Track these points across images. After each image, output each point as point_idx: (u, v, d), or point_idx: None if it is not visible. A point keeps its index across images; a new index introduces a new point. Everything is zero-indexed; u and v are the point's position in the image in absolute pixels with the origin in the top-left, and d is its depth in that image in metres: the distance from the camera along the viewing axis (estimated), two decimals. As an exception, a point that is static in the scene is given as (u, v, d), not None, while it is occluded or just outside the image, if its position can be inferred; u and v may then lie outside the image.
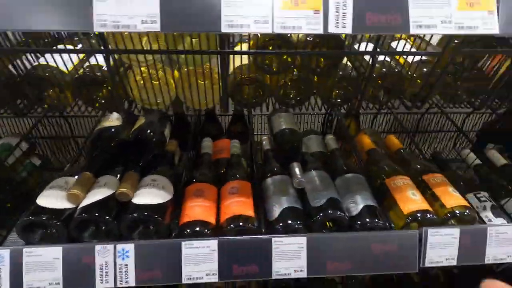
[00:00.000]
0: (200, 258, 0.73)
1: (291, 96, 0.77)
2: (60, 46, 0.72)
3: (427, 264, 0.76)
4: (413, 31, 0.54)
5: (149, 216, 0.72)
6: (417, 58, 0.71)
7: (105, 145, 0.85)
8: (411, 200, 0.80)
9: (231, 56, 0.78)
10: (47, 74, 0.71)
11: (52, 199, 0.73)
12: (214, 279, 0.74)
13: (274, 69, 0.68)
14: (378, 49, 0.66)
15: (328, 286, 1.18)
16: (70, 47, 0.75)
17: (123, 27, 0.48)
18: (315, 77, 0.76)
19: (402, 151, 1.02)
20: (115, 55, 0.65)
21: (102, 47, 0.61)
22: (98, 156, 0.83)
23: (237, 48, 0.81)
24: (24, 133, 1.27)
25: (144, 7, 0.50)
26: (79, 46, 0.79)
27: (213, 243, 0.73)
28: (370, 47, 0.72)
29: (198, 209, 0.79)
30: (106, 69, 0.65)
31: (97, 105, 0.75)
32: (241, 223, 0.76)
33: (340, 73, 0.71)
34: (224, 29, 0.50)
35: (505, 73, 0.72)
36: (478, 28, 0.55)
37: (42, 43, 0.85)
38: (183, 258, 0.73)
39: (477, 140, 1.37)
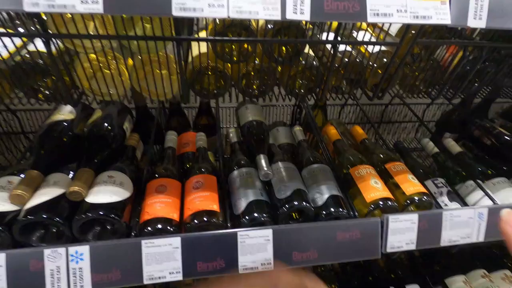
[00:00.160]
0: (162, 256, 0.70)
1: (254, 86, 0.75)
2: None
3: (388, 250, 0.79)
4: (370, 19, 0.53)
5: (105, 215, 0.67)
6: (377, 48, 0.72)
7: (55, 141, 0.79)
8: (373, 188, 0.82)
9: (192, 44, 0.74)
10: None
11: (-8, 201, 0.66)
12: (178, 277, 0.72)
13: (235, 58, 0.66)
14: (339, 38, 0.66)
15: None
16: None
17: (59, 7, 0.43)
18: (278, 67, 0.75)
19: (367, 141, 1.05)
20: (58, 41, 0.58)
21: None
22: (47, 152, 0.76)
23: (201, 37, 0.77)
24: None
25: (85, -14, 0.45)
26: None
27: (175, 241, 0.71)
28: (332, 37, 0.72)
29: (160, 205, 0.75)
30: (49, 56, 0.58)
31: (40, 96, 0.68)
32: (205, 219, 0.74)
33: (303, 62, 0.70)
34: (176, 12, 0.47)
35: (457, 64, 0.75)
36: (432, 18, 0.56)
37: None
38: (143, 257, 0.69)
39: (436, 130, 1.45)
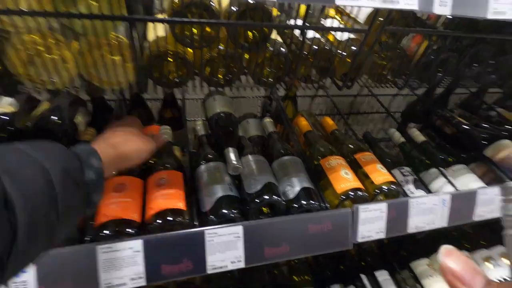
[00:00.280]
0: (121, 262, 0.64)
1: (219, 74, 0.70)
2: None
3: (359, 240, 0.79)
4: (338, 2, 0.50)
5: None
6: (346, 36, 0.70)
7: (-10, 137, 0.68)
8: (344, 179, 0.81)
9: (150, 26, 0.67)
10: None
11: None
12: (141, 283, 0.66)
13: (196, 43, 0.60)
14: (307, 24, 0.63)
15: (273, 268, 1.18)
16: None
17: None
18: (245, 53, 0.70)
19: (337, 132, 1.04)
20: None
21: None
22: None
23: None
24: None
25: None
26: None
27: (136, 244, 0.65)
28: (300, 23, 0.69)
29: (118, 206, 0.68)
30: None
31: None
32: (169, 218, 0.68)
33: (271, 49, 0.67)
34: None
35: (423, 53, 0.76)
36: (400, 3, 0.55)
37: None
38: (99, 264, 0.63)
39: (401, 120, 1.49)
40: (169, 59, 0.63)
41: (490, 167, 1.03)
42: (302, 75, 0.75)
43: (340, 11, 0.77)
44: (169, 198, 0.71)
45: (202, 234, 0.68)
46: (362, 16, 0.72)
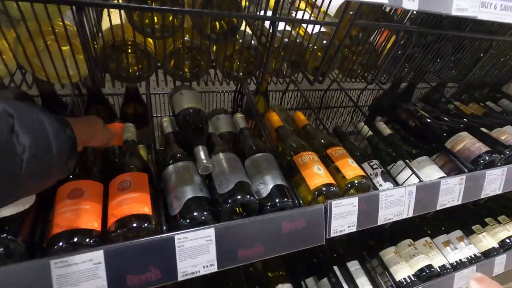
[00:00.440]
0: (80, 276, 0.58)
1: (185, 68, 0.65)
2: None
3: (332, 234, 0.79)
4: (310, -8, 0.48)
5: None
6: (317, 29, 0.69)
7: None
8: (317, 175, 0.81)
9: (104, 13, 0.60)
10: None
11: None
12: (103, 297, 0.60)
13: (158, 33, 0.55)
14: (277, 15, 0.60)
15: (247, 265, 1.16)
16: None
17: None
18: (213, 45, 0.66)
19: (308, 127, 1.04)
20: None
21: None
22: None
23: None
24: None
25: None
26: None
27: (96, 255, 0.59)
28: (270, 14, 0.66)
29: (74, 214, 0.62)
30: None
31: None
32: (134, 225, 0.63)
33: (240, 41, 0.63)
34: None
35: (391, 48, 0.77)
36: (370, -4, 0.53)
37: None
38: (54, 280, 0.56)
39: (369, 113, 1.54)
40: (128, 50, 0.57)
41: (450, 158, 1.09)
42: (273, 69, 0.72)
43: (311, 3, 0.75)
44: (134, 202, 0.66)
45: (171, 239, 0.64)
46: (332, 9, 0.70)
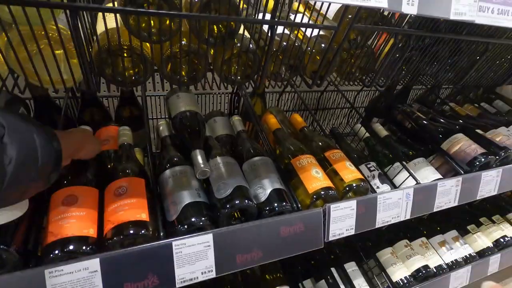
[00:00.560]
0: (75, 285, 0.57)
1: (183, 72, 0.64)
2: None
3: (330, 238, 0.79)
4: (310, -4, 0.47)
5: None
6: (316, 32, 0.68)
7: None
8: (315, 178, 0.80)
9: (99, 17, 0.59)
10: None
11: None
12: (100, 305, 0.59)
13: (154, 37, 0.53)
14: (276, 19, 0.59)
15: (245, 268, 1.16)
16: None
17: None
18: (210, 49, 0.65)
19: (306, 129, 1.03)
20: None
21: None
22: None
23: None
24: None
25: None
26: None
27: (93, 263, 0.58)
28: (269, 18, 0.65)
29: (69, 221, 0.60)
30: None
31: None
32: (131, 231, 0.62)
33: (238, 45, 0.62)
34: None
35: (389, 51, 0.76)
36: (370, 1, 0.53)
37: None
38: (49, 290, 0.55)
39: (365, 115, 1.54)
40: (124, 54, 0.56)
41: (446, 160, 1.10)
42: (271, 73, 0.72)
43: (309, 6, 0.74)
44: (130, 208, 0.64)
45: (169, 246, 0.63)
46: (331, 12, 0.70)
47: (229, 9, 0.53)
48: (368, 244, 1.30)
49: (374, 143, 1.18)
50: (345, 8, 0.61)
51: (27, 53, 0.46)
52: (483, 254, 1.30)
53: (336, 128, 1.27)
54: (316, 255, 1.23)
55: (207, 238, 0.66)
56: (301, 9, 0.73)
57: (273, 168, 0.82)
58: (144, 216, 0.64)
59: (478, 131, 1.19)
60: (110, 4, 0.47)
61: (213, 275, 0.67)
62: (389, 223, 0.88)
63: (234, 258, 0.69)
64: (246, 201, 0.71)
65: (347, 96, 1.49)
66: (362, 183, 0.84)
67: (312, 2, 0.70)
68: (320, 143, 0.96)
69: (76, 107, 1.02)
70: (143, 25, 0.51)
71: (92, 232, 0.61)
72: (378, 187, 0.98)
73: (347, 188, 0.83)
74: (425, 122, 1.21)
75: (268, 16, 0.65)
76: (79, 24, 0.46)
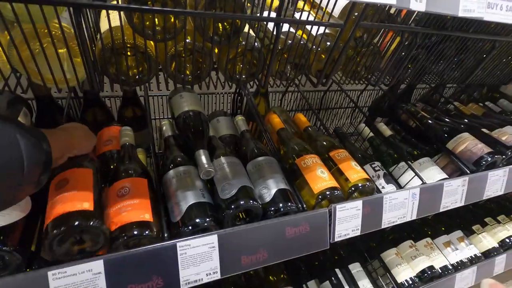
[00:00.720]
0: (79, 286, 0.56)
1: (187, 71, 0.63)
2: None
3: (336, 239, 0.78)
4: (318, -7, 0.46)
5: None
6: (321, 30, 0.67)
7: None
8: (320, 178, 0.79)
9: (102, 15, 0.58)
10: None
11: None
12: (104, 307, 0.58)
13: (159, 35, 0.53)
14: (282, 17, 0.58)
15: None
16: None
17: None
18: (215, 47, 0.64)
19: (310, 128, 1.02)
20: None
21: None
22: None
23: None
24: None
25: None
26: None
27: (96, 265, 0.57)
28: (274, 16, 0.64)
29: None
30: None
31: None
32: (135, 232, 0.61)
33: (243, 43, 0.61)
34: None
35: (396, 49, 0.75)
36: (378, -3, 0.52)
37: None
38: (52, 293, 0.54)
39: (368, 114, 1.53)
40: (128, 53, 0.55)
41: (451, 159, 1.08)
42: (276, 71, 0.71)
43: (314, 4, 0.73)
44: (134, 209, 0.64)
45: (173, 247, 0.62)
46: (336, 11, 0.69)
47: (235, 7, 0.52)
48: (373, 244, 1.29)
49: (378, 143, 1.17)
50: (352, 5, 0.60)
51: (30, 51, 0.45)
52: (488, 254, 1.29)
53: (340, 128, 1.26)
54: (320, 256, 1.23)
55: (212, 239, 0.65)
56: (307, 7, 0.72)
57: (277, 168, 0.81)
58: (147, 216, 0.64)
59: (484, 130, 1.18)
60: (114, 2, 0.46)
61: (218, 276, 0.67)
62: (395, 223, 0.87)
63: (239, 259, 0.68)
64: (251, 201, 0.70)
65: (350, 95, 1.48)
66: (368, 183, 0.83)
67: (318, 1, 0.69)
68: (324, 143, 0.95)
69: (78, 107, 1.01)
70: (148, 23, 0.51)
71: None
72: (383, 187, 0.97)
73: (353, 188, 0.82)
74: (430, 122, 1.20)
75: (273, 14, 0.64)
76: (83, 22, 0.45)
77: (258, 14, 0.62)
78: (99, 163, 0.80)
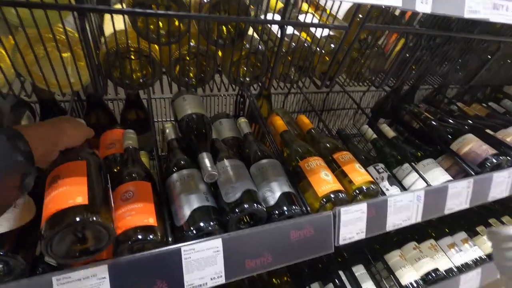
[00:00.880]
0: (84, 292, 0.56)
1: (191, 74, 0.63)
2: None
3: (341, 242, 0.78)
4: (323, -4, 0.46)
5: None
6: (326, 32, 0.67)
7: None
8: (324, 181, 0.79)
9: (106, 18, 0.58)
10: None
11: None
12: (107, 312, 0.58)
13: (163, 39, 0.52)
14: (286, 19, 0.58)
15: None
16: None
17: None
18: (219, 50, 0.64)
19: (313, 131, 1.02)
20: None
21: None
22: None
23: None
24: None
25: None
26: None
27: (100, 270, 0.57)
28: (278, 19, 0.64)
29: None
30: None
31: None
32: (139, 237, 0.61)
33: (247, 46, 0.61)
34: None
35: (400, 51, 0.75)
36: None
37: None
38: (56, 298, 0.54)
39: (371, 115, 1.52)
40: (131, 57, 0.55)
41: (456, 161, 1.08)
42: (280, 74, 0.70)
43: (319, 7, 0.73)
44: (138, 213, 0.63)
45: (178, 251, 0.62)
46: (341, 13, 0.69)
47: (239, 10, 0.52)
48: (376, 246, 1.28)
49: (382, 145, 1.16)
50: (357, 8, 0.59)
51: (34, 56, 0.45)
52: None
53: (343, 130, 1.26)
54: (324, 258, 1.22)
55: (216, 243, 0.65)
56: (311, 10, 0.72)
57: (281, 171, 0.81)
58: (151, 220, 0.63)
59: (488, 131, 1.17)
60: (119, 6, 0.46)
61: (222, 280, 0.66)
62: (400, 226, 0.87)
63: (243, 263, 0.68)
64: (256, 205, 0.69)
65: (353, 96, 1.47)
66: (372, 186, 0.83)
67: (322, 2, 0.68)
68: (328, 145, 0.94)
69: (81, 110, 1.01)
70: (152, 26, 0.50)
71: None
72: (387, 189, 0.97)
73: (357, 191, 0.82)
74: (434, 123, 1.19)
75: (277, 17, 0.64)
76: (87, 26, 0.44)
77: (262, 17, 0.61)
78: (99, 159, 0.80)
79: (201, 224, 0.66)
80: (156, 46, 0.57)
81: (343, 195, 0.78)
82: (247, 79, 0.68)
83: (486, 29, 0.85)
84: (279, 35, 0.61)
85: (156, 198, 0.69)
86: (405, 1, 0.55)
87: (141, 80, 0.59)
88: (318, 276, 1.17)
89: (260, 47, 0.63)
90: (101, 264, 0.56)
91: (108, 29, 0.54)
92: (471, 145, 1.06)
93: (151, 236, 0.61)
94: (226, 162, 0.78)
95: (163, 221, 0.67)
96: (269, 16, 0.64)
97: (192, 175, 0.74)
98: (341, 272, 1.13)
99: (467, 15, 0.62)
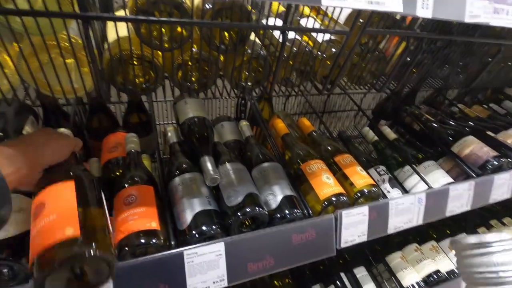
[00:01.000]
0: (87, 296, 0.56)
1: (193, 79, 0.63)
2: None
3: (342, 245, 0.78)
4: (325, 2, 0.46)
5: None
6: (327, 37, 0.67)
7: None
8: (326, 184, 0.79)
9: (109, 25, 0.58)
10: None
11: None
12: (110, 317, 0.58)
13: (166, 45, 0.53)
14: (288, 25, 0.58)
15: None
16: None
17: None
18: (221, 56, 0.64)
19: (314, 133, 1.02)
20: None
21: None
22: None
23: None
24: None
25: None
26: None
27: (104, 274, 0.57)
28: (279, 23, 0.64)
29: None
30: None
31: None
32: (142, 241, 0.61)
33: (249, 51, 0.61)
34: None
35: (401, 54, 0.75)
36: (385, 5, 0.52)
37: None
38: (60, 303, 0.54)
39: (372, 117, 1.52)
40: (134, 62, 0.55)
41: (457, 163, 1.08)
42: (282, 78, 0.71)
43: (320, 12, 0.73)
44: (140, 217, 0.64)
45: (180, 255, 0.62)
46: (342, 18, 0.69)
47: (241, 16, 0.53)
48: (377, 248, 1.28)
49: (383, 146, 1.16)
50: (358, 13, 0.60)
51: (38, 63, 0.46)
52: (494, 257, 1.28)
53: (344, 132, 1.26)
54: (325, 260, 1.22)
55: (219, 247, 0.65)
56: (312, 14, 0.72)
57: (283, 174, 0.81)
58: (154, 225, 0.64)
59: (489, 133, 1.17)
60: (122, 13, 0.46)
61: (225, 284, 0.66)
62: (401, 228, 0.87)
63: (246, 267, 0.68)
64: (258, 208, 0.70)
65: (354, 98, 1.47)
66: (374, 189, 0.83)
67: (324, 8, 0.69)
68: (329, 148, 0.94)
69: (84, 113, 1.01)
70: (155, 33, 0.51)
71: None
72: (388, 192, 0.97)
73: (359, 194, 0.82)
74: (435, 125, 1.19)
75: (279, 22, 0.64)
76: (91, 33, 0.45)
77: (264, 22, 0.62)
78: (104, 170, 0.80)
79: (204, 228, 0.66)
80: (159, 52, 0.58)
81: (344, 198, 0.78)
82: (249, 83, 0.68)
83: (486, 32, 0.85)
84: (280, 40, 0.62)
85: (159, 202, 0.69)
86: (406, 6, 0.55)
87: (144, 86, 0.59)
88: (320, 278, 1.17)
89: (261, 52, 0.63)
90: (104, 269, 0.57)
91: (111, 36, 0.55)
92: (472, 147, 1.06)
93: (154, 240, 0.62)
94: (228, 165, 0.79)
95: (166, 224, 0.67)
96: (271, 20, 0.64)
97: (194, 179, 0.75)
98: (342, 274, 1.14)
99: (468, 19, 0.62)
